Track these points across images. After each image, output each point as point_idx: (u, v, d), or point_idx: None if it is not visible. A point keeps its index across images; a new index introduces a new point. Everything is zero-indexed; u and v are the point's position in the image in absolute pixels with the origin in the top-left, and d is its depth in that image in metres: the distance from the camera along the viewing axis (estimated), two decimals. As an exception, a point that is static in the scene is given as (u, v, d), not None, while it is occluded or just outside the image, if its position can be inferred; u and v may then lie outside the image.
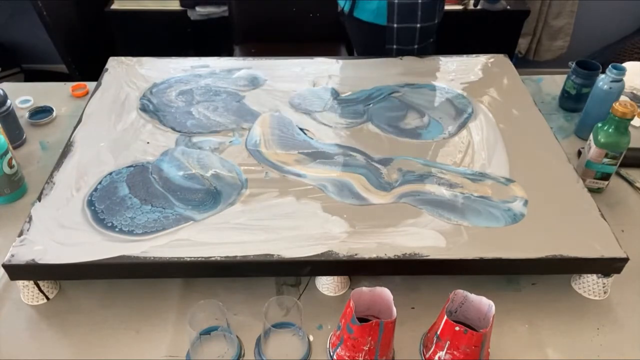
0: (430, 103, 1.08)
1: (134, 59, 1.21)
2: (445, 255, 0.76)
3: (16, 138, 1.07)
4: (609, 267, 0.78)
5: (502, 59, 1.23)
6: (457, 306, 0.72)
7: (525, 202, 0.84)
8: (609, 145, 0.92)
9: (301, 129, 1.00)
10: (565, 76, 1.21)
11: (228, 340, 0.73)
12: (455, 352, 0.66)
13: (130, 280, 0.81)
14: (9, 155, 0.91)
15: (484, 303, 0.69)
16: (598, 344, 0.75)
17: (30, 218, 0.80)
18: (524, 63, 2.59)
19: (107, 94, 1.09)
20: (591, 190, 0.92)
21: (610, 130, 0.92)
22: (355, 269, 0.79)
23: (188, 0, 2.15)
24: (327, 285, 0.81)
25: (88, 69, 2.04)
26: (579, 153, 1.05)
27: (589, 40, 2.57)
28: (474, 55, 1.26)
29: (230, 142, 0.97)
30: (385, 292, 0.68)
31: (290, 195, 0.85)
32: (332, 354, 0.72)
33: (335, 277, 0.80)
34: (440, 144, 0.98)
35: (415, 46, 1.30)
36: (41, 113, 1.17)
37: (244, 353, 0.73)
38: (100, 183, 0.87)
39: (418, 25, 1.26)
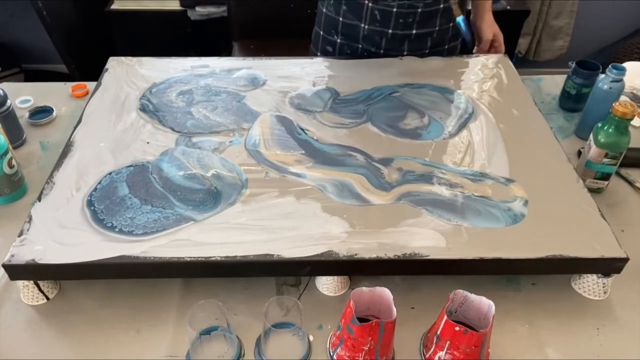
0: (430, 103, 1.08)
1: (134, 59, 1.21)
2: (445, 255, 0.76)
3: (16, 138, 1.07)
4: (609, 267, 0.78)
5: (502, 59, 1.23)
6: (457, 306, 0.72)
7: (525, 202, 0.84)
8: (609, 145, 0.92)
9: (301, 129, 1.00)
10: (565, 76, 1.21)
11: (228, 340, 0.73)
12: (455, 352, 0.66)
13: (130, 280, 0.81)
14: (9, 155, 0.91)
15: (484, 303, 0.69)
16: (598, 344, 0.75)
17: (30, 218, 0.80)
18: (524, 63, 2.59)
19: (107, 94, 1.09)
20: (591, 190, 0.92)
21: (610, 130, 0.92)
22: (355, 269, 0.79)
23: (188, 0, 2.15)
24: (327, 285, 0.81)
25: (88, 69, 2.05)
26: (579, 153, 1.05)
27: (589, 40, 2.57)
28: (474, 55, 1.26)
29: (230, 142, 0.97)
30: (385, 292, 0.68)
31: (290, 195, 0.85)
32: (332, 354, 0.72)
33: (335, 277, 0.80)
34: (440, 144, 0.98)
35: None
36: (41, 113, 1.17)
37: (244, 353, 0.73)
38: (99, 183, 0.87)
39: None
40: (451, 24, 1.23)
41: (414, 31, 1.20)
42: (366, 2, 1.16)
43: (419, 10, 1.16)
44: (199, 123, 1.02)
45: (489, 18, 1.27)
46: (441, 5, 1.18)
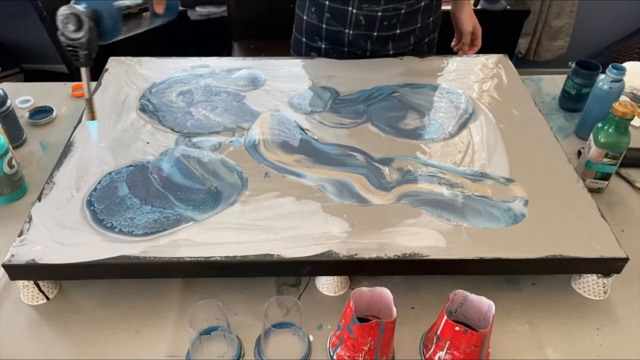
0: (430, 103, 1.08)
1: (134, 59, 1.21)
2: (445, 255, 0.76)
3: (16, 138, 1.07)
4: (609, 267, 0.78)
5: (502, 59, 1.23)
6: (457, 306, 0.72)
7: (526, 202, 0.84)
8: (609, 145, 0.92)
9: (301, 129, 1.00)
10: (565, 76, 1.21)
11: (228, 340, 0.73)
12: (455, 352, 0.66)
13: (130, 280, 0.81)
14: (9, 155, 0.91)
15: (484, 303, 0.69)
16: (598, 344, 0.75)
17: (30, 218, 0.80)
18: (524, 63, 2.59)
19: (107, 94, 1.09)
20: (591, 190, 0.92)
21: (610, 130, 0.92)
22: (355, 269, 0.79)
23: (188, 0, 2.15)
24: (327, 285, 0.81)
25: (88, 69, 2.04)
26: (579, 153, 1.05)
27: (589, 40, 2.57)
28: (474, 55, 1.26)
29: (230, 142, 0.97)
30: (385, 292, 0.68)
31: (290, 195, 0.85)
32: (332, 354, 0.72)
33: (335, 277, 0.80)
34: (440, 144, 0.98)
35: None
36: (41, 113, 1.17)
37: (244, 353, 0.73)
38: (99, 183, 0.87)
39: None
40: (431, 19, 1.24)
41: (398, 31, 1.20)
42: (350, 8, 1.16)
43: (403, 11, 1.17)
44: (199, 123, 1.02)
45: (469, 10, 1.26)
46: (422, 3, 1.18)
